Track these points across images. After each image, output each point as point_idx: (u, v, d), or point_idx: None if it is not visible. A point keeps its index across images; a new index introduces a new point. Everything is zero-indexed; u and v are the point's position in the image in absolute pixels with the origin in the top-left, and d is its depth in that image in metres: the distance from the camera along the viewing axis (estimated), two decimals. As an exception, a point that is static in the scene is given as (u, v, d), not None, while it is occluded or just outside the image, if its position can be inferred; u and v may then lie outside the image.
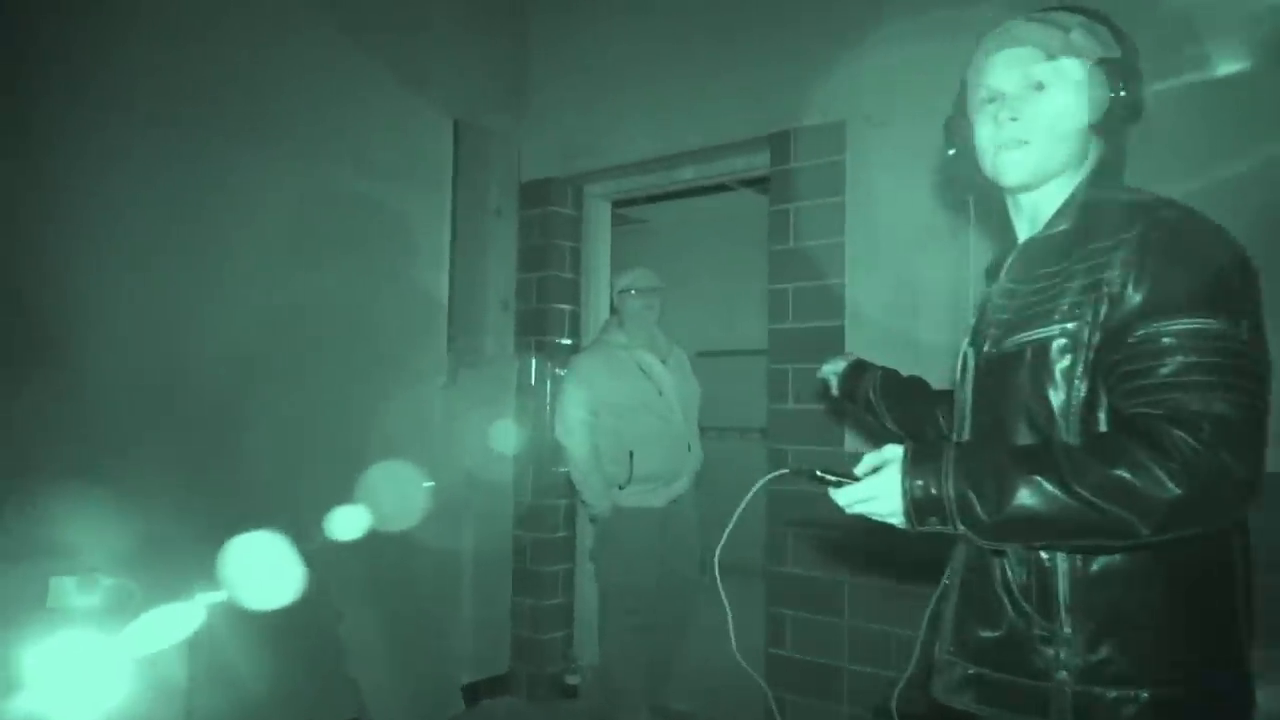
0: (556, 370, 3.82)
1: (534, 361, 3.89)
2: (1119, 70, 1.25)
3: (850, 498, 1.21)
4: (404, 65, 3.52)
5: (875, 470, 1.20)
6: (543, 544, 3.84)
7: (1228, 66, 2.29)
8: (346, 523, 3.16)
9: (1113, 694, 1.14)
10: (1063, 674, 1.17)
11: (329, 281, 3.24)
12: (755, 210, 5.50)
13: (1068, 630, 1.17)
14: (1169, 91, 2.23)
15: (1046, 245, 1.28)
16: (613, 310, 3.49)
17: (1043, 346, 1.20)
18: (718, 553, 1.48)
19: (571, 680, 3.80)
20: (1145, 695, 1.13)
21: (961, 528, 1.12)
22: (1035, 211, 1.34)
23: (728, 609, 1.57)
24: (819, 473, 1.26)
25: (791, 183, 3.14)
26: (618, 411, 3.28)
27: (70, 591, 1.82)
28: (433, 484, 3.41)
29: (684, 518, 3.43)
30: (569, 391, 3.34)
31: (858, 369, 1.88)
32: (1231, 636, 1.17)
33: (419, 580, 3.55)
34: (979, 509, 1.10)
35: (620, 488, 3.27)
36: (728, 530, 1.47)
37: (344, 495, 3.14)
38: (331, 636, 3.26)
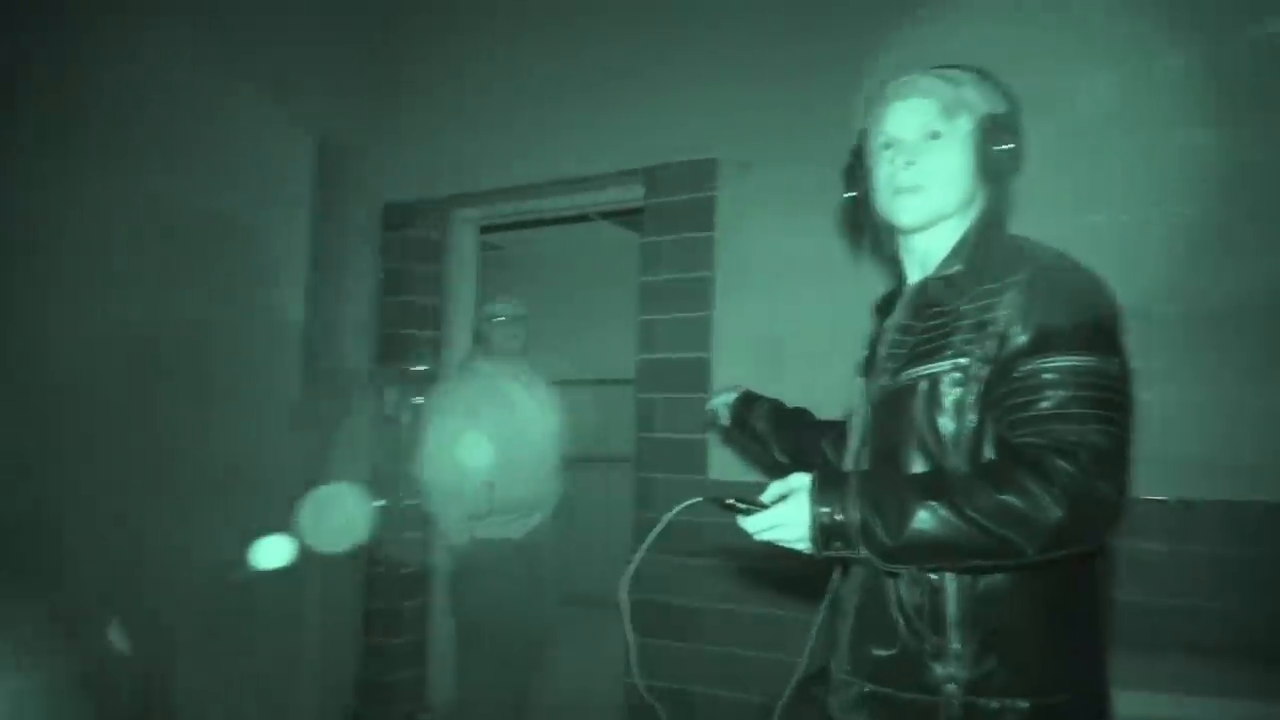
0: (417, 398, 3.71)
1: (393, 389, 3.76)
2: (1004, 124, 1.35)
3: (759, 525, 1.24)
4: (265, 77, 3.36)
5: (782, 498, 1.24)
6: (396, 579, 3.68)
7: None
8: (194, 560, 2.96)
9: (995, 704, 1.21)
10: (951, 686, 1.23)
11: (180, 301, 3.04)
12: (613, 242, 5.61)
13: (956, 645, 1.23)
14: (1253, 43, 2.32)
15: (940, 285, 1.36)
16: (477, 338, 3.42)
17: (936, 380, 1.28)
18: (625, 584, 1.46)
19: (424, 718, 3.65)
20: (1025, 704, 1.20)
21: (864, 552, 1.18)
22: (926, 253, 1.42)
23: (630, 638, 1.54)
24: (729, 501, 1.28)
25: (664, 216, 3.21)
26: (479, 441, 3.21)
27: None
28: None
29: (543, 549, 3.38)
30: (430, 420, 3.25)
31: (747, 400, 1.92)
32: (1096, 648, 1.27)
33: (260, 621, 3.32)
34: (881, 534, 1.15)
35: (479, 518, 3.19)
36: (635, 560, 1.46)
37: (189, 530, 2.94)
38: (164, 685, 3.00)
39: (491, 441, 3.19)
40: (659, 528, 1.39)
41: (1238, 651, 2.10)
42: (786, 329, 2.96)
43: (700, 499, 1.35)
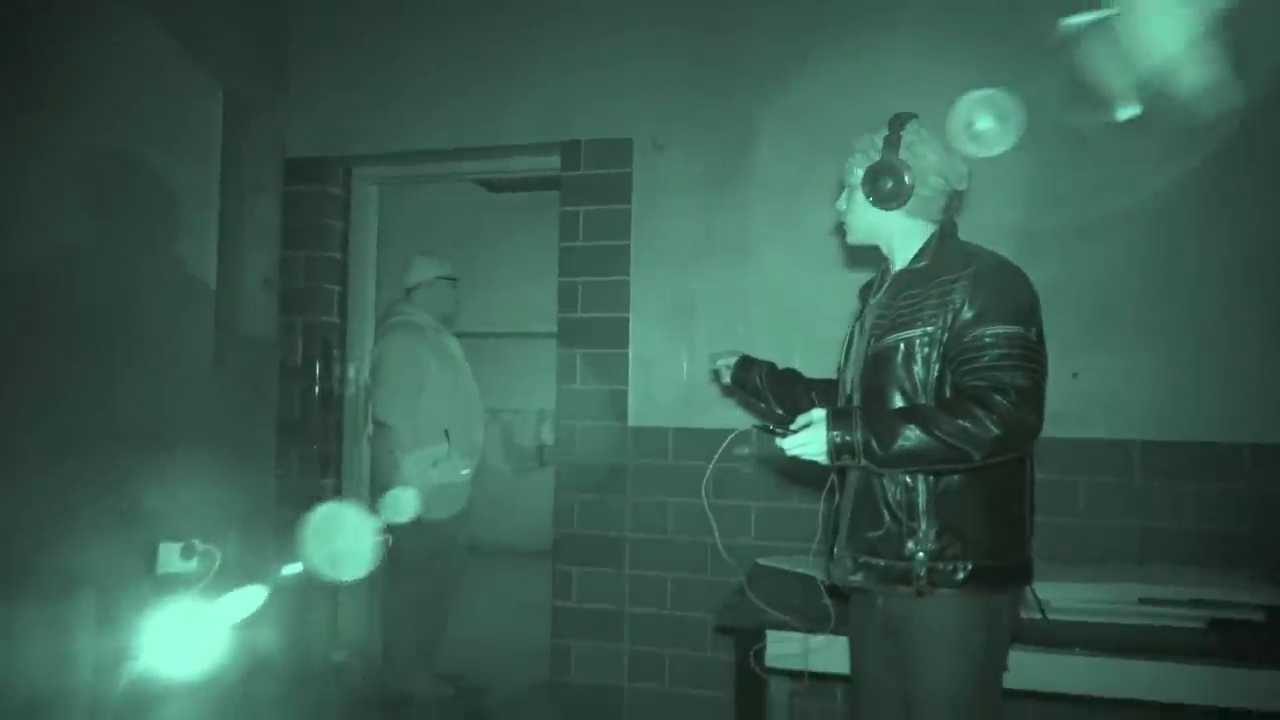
0: (331, 351, 3.83)
1: (299, 341, 3.85)
2: (881, 169, 1.86)
3: (792, 444, 1.72)
4: (174, 24, 3.31)
5: (806, 426, 1.71)
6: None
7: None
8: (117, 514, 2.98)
9: (950, 566, 1.74)
10: (920, 555, 1.75)
11: (96, 248, 3.01)
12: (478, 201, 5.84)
13: (925, 527, 1.76)
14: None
15: (911, 276, 1.87)
16: (409, 293, 3.59)
17: (911, 342, 1.78)
18: (705, 486, 1.93)
19: (337, 657, 3.84)
20: (970, 565, 1.74)
21: (864, 461, 1.68)
22: (895, 254, 1.94)
23: (713, 524, 2.05)
24: (771, 428, 1.75)
25: (581, 188, 3.53)
26: (435, 391, 3.43)
27: (175, 558, 1.77)
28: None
29: (470, 491, 3.67)
30: (394, 368, 3.40)
31: (746, 363, 2.35)
32: (1020, 530, 1.83)
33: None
34: (876, 448, 1.66)
35: (435, 464, 3.42)
36: (709, 469, 1.92)
37: (100, 484, 2.95)
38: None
39: (445, 390, 3.44)
40: (724, 445, 1.96)
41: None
42: (697, 294, 3.40)
43: (751, 427, 1.90)
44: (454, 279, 3.53)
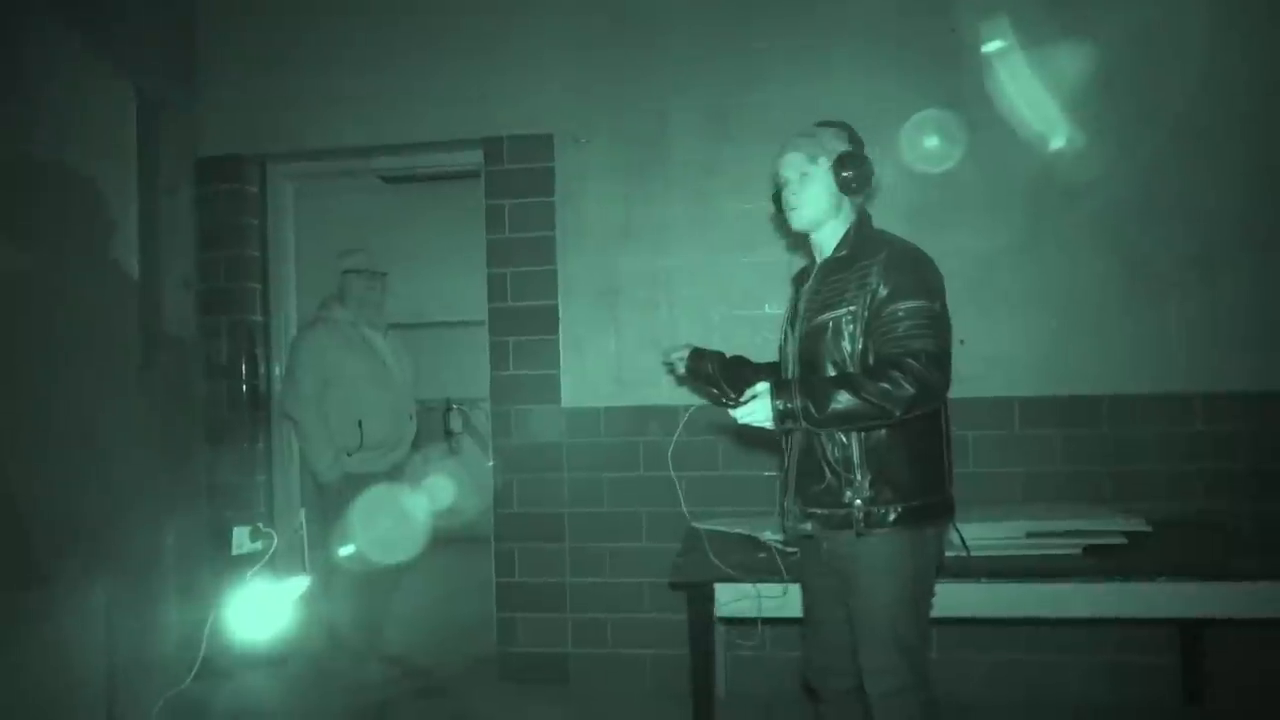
0: (255, 349, 3.86)
1: (224, 341, 3.86)
2: (849, 160, 2.13)
3: (742, 414, 1.98)
4: (83, 26, 3.27)
5: (753, 398, 1.98)
6: (243, 521, 3.84)
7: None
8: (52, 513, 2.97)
9: (883, 509, 2.04)
10: (858, 502, 2.05)
11: (17, 254, 2.98)
12: (386, 196, 5.85)
13: (859, 477, 2.05)
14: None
15: (835, 264, 2.16)
16: (339, 289, 3.67)
17: (839, 320, 2.08)
18: (669, 455, 2.13)
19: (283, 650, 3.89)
20: (900, 507, 2.04)
21: (804, 424, 1.97)
22: (823, 244, 2.22)
23: (678, 486, 2.22)
24: (723, 401, 1.99)
25: (505, 182, 3.69)
26: (347, 383, 3.52)
27: (246, 540, 1.88)
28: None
29: (402, 480, 3.78)
30: (300, 365, 3.48)
31: (697, 354, 2.57)
32: (941, 473, 2.14)
33: (116, 567, 3.38)
34: (814, 412, 1.94)
35: (349, 454, 3.53)
36: (672, 441, 2.13)
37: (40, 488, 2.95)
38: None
39: (358, 383, 3.54)
40: (684, 420, 2.08)
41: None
42: (622, 279, 3.62)
43: (705, 401, 2.06)
44: (359, 271, 3.62)
